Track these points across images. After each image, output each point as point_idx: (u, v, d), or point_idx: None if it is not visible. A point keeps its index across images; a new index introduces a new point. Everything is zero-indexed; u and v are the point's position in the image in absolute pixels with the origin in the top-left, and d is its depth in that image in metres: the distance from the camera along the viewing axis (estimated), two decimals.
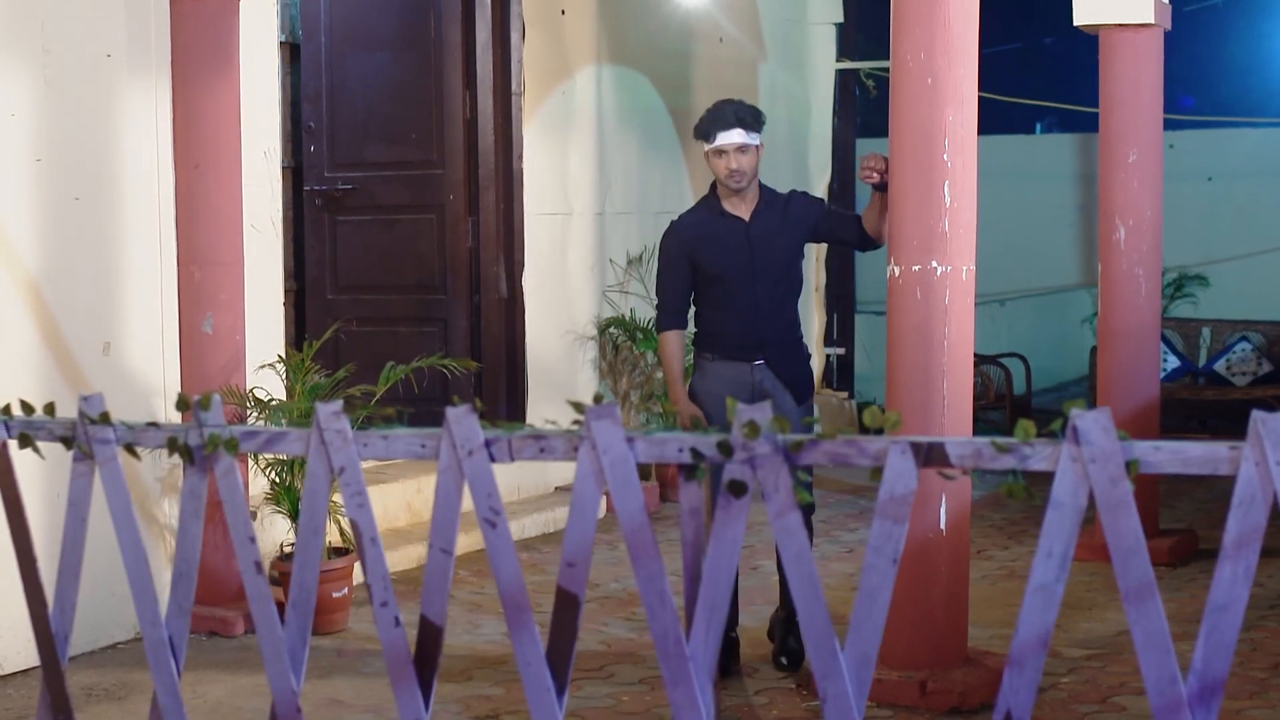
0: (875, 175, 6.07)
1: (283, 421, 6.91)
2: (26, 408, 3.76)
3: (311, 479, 3.53)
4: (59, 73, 6.38)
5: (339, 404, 3.47)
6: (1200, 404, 11.54)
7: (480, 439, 3.35)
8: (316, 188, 9.37)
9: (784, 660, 6.30)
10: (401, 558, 7.91)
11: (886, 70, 13.64)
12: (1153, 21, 8.06)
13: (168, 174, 6.84)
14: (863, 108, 13.33)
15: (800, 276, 6.40)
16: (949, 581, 5.94)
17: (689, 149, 11.08)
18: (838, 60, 12.77)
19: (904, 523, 3.12)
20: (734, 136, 6.14)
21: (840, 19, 12.69)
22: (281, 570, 6.85)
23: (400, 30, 9.44)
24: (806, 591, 3.19)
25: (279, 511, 6.96)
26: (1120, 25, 8.12)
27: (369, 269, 9.43)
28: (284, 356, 7.26)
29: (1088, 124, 18.48)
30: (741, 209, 6.28)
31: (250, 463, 6.85)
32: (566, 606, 3.35)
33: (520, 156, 9.53)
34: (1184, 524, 9.02)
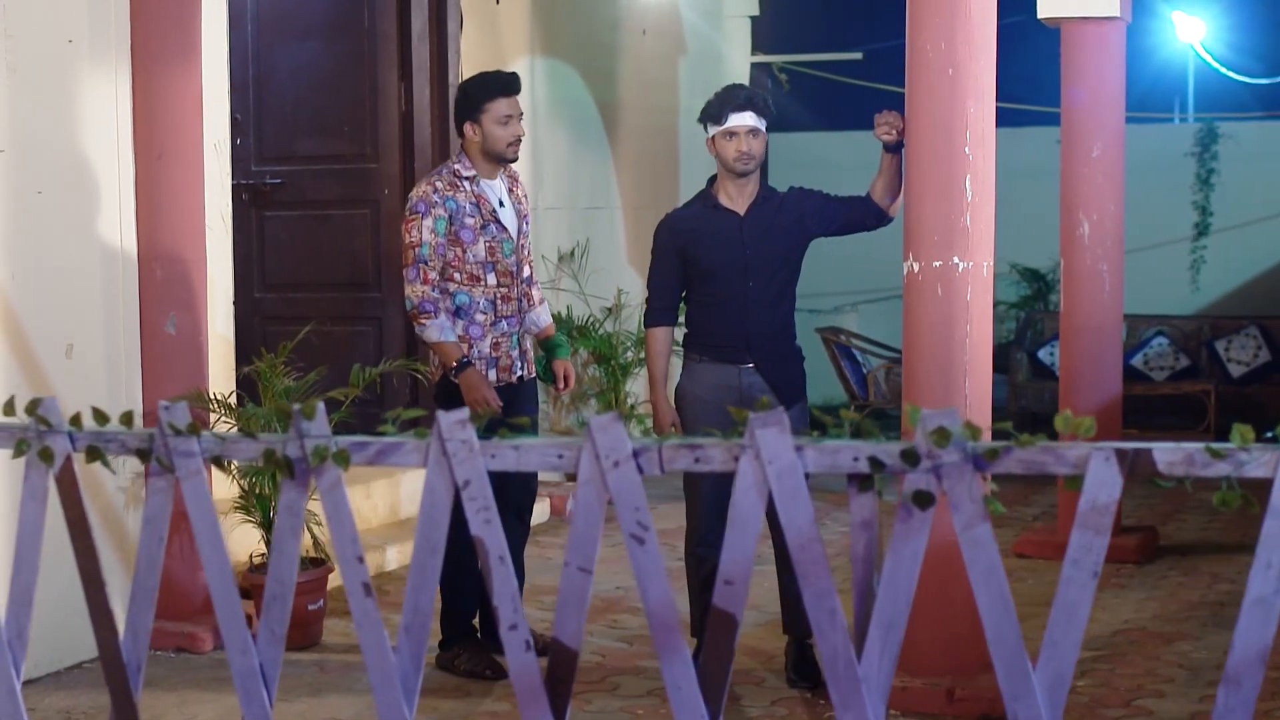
0: (893, 132, 5.86)
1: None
2: (100, 417, 3.45)
3: (430, 494, 3.27)
4: (21, 59, 5.98)
5: (464, 412, 3.21)
6: (1125, 399, 11.49)
7: (628, 449, 3.12)
8: (244, 181, 9.01)
9: (795, 676, 6.06)
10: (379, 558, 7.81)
11: (800, 64, 13.65)
12: (1117, 15, 7.99)
13: (129, 165, 6.47)
14: (776, 101, 13.18)
15: (796, 277, 6.14)
16: (970, 586, 5.77)
17: (616, 144, 10.87)
18: (753, 53, 12.64)
19: (1106, 534, 2.95)
20: (746, 119, 5.93)
21: (755, 12, 12.56)
22: (252, 583, 6.50)
23: (332, 19, 9.10)
24: (998, 609, 3.01)
25: (248, 520, 6.61)
26: (1084, 19, 8.04)
27: (299, 266, 9.10)
28: (254, 359, 6.90)
29: None
30: (738, 202, 6.04)
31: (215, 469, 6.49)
32: (723, 627, 3.15)
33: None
34: (1132, 520, 8.98)
